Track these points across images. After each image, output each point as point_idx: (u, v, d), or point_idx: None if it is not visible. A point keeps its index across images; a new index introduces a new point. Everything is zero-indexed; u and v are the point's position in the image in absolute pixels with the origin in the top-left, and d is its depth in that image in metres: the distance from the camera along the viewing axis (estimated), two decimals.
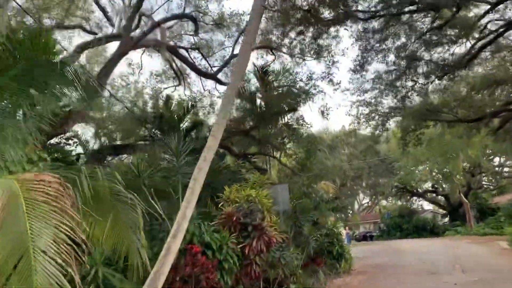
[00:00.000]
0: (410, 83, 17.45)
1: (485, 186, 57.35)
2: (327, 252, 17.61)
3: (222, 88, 17.77)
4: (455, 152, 35.26)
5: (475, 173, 47.63)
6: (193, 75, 19.41)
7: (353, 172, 40.69)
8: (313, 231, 13.78)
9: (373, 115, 22.39)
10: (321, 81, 17.25)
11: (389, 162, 40.84)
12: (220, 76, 17.63)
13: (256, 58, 19.07)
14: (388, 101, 20.95)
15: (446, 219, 58.99)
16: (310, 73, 17.18)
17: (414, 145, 22.93)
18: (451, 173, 42.28)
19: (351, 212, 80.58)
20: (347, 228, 36.42)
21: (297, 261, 12.71)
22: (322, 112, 18.15)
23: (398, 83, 17.51)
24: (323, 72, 16.82)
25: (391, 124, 22.67)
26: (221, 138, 17.25)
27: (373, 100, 21.79)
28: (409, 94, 18.24)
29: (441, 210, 65.15)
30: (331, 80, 16.88)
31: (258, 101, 18.13)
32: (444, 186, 54.99)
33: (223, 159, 17.64)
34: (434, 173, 52.36)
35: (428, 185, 57.58)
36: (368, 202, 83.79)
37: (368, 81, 21.18)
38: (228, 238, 10.68)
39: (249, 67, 16.87)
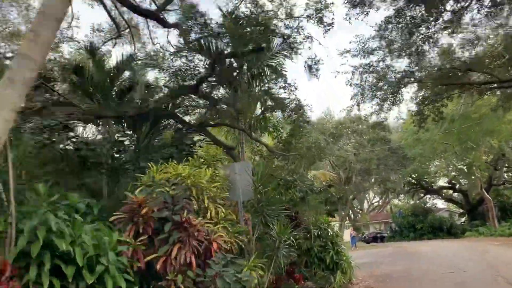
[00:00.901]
0: (434, 16, 12.47)
1: (506, 182, 51.90)
2: (317, 260, 12.94)
3: (174, 39, 13.01)
4: (478, 137, 30.20)
5: (499, 166, 42.27)
6: (146, 31, 14.87)
7: (359, 164, 35.79)
8: (286, 231, 9.01)
9: (380, 83, 17.60)
10: (307, 21, 12.54)
11: (401, 153, 35.78)
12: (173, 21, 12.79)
13: (225, 4, 14.40)
14: (400, 64, 16.16)
15: (463, 219, 53.76)
16: (291, 7, 12.35)
17: (434, 120, 18.06)
18: (473, 165, 36.99)
19: (360, 211, 75.78)
20: (351, 228, 31.64)
21: (258, 278, 8.00)
22: (310, 67, 13.45)
23: (415, 21, 12.68)
24: (307, 6, 11.99)
25: (404, 96, 17.90)
26: (163, 103, 12.66)
27: (380, 64, 17.03)
28: (432, 36, 13.38)
29: (456, 209, 59.89)
30: (320, 20, 12.11)
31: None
32: (462, 182, 49.68)
33: (183, 135, 12.92)
34: (451, 167, 47.10)
35: (444, 181, 52.38)
36: (378, 201, 78.61)
37: (374, 37, 16.48)
38: (115, 243, 6.04)
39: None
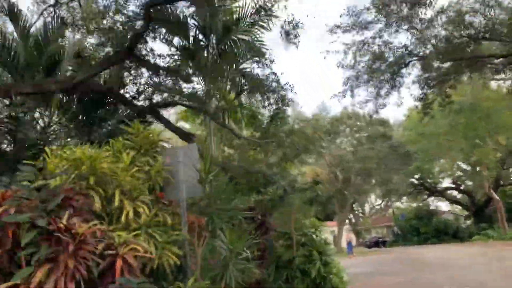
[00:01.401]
0: None
1: None
2: (300, 273, 10.37)
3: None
4: (486, 132, 27.74)
5: (506, 165, 39.60)
6: None
7: (358, 164, 33.12)
8: (241, 241, 6.39)
9: (377, 64, 15.11)
10: None
11: (403, 151, 33.12)
12: None
13: None
14: (400, 40, 13.71)
15: (469, 221, 51.09)
16: None
17: (441, 105, 15.54)
18: (481, 163, 34.20)
19: (362, 215, 73.16)
20: (347, 234, 28.94)
21: None
22: (287, 33, 10.91)
23: None
24: None
25: (405, 79, 15.37)
26: (94, 74, 9.94)
27: (377, 40, 14.57)
28: None
29: (461, 211, 57.17)
30: None
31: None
32: (467, 182, 46.89)
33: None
34: (456, 167, 44.36)
35: (448, 182, 49.65)
36: (380, 204, 75.89)
37: (369, 9, 14.04)
38: None
39: None
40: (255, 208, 8.54)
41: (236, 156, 11.44)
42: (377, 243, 50.95)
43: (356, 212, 74.17)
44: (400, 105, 15.87)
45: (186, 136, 10.28)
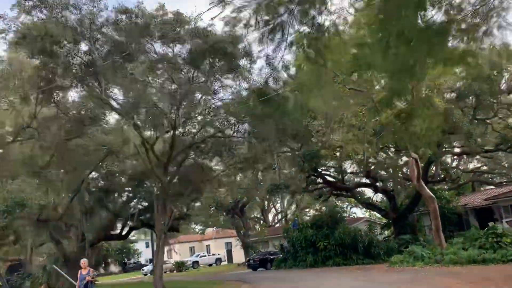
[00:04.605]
0: None
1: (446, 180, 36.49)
2: None
3: None
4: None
5: (442, 144, 26.08)
6: None
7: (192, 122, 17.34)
8: None
9: None
10: None
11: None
12: None
13: None
14: None
15: (387, 232, 37.94)
16: None
17: None
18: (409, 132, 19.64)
19: (262, 222, 58.54)
20: (83, 262, 12.84)
21: None
22: None
23: None
24: None
25: None
26: None
27: None
28: None
29: (378, 218, 44.52)
30: None
31: None
32: (386, 176, 33.33)
33: None
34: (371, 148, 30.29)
35: (362, 178, 35.79)
36: (285, 209, 61.57)
37: None
38: None
39: None
40: None
41: None
42: (264, 262, 36.02)
43: (254, 219, 59.33)
44: None
45: None
